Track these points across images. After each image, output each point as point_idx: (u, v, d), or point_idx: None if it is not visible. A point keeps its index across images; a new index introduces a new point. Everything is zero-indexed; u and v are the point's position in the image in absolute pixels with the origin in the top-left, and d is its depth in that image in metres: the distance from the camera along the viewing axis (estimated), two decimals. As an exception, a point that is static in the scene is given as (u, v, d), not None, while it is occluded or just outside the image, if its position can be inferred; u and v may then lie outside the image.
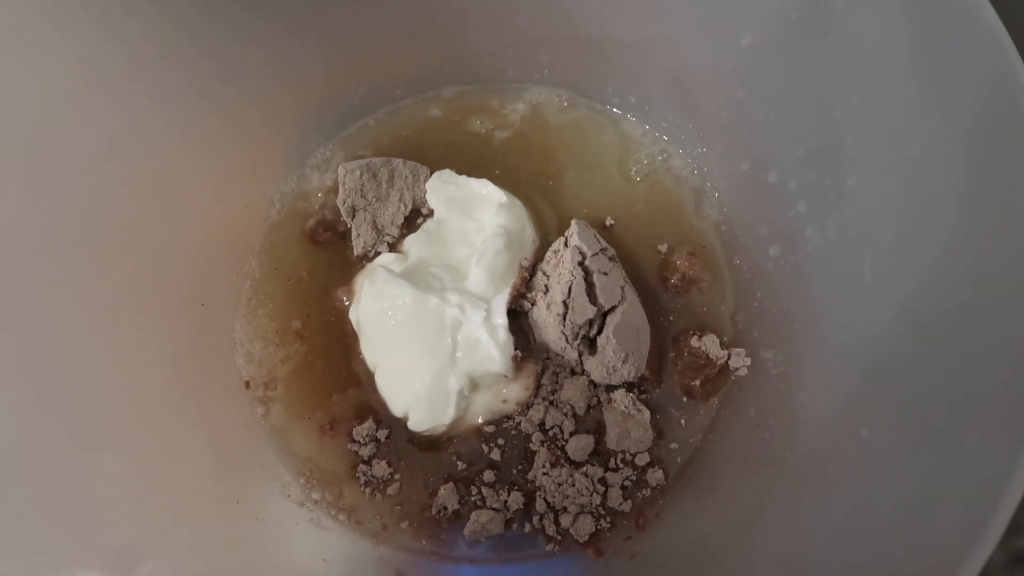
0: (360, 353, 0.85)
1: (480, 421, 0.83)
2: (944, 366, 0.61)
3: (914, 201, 0.65)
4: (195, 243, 0.86)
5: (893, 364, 0.66)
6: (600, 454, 0.82)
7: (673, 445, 0.83)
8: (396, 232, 0.90)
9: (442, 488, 0.80)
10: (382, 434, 0.83)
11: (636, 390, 0.83)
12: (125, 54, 0.75)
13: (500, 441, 0.82)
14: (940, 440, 0.59)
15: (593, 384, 0.83)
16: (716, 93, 0.86)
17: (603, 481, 0.80)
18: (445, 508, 0.80)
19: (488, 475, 0.81)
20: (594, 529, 0.78)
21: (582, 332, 0.79)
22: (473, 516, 0.78)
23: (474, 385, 0.82)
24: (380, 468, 0.82)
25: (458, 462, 0.82)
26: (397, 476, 0.83)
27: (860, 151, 0.71)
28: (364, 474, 0.82)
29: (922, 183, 0.64)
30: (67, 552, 0.60)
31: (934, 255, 0.63)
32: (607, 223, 0.91)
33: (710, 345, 0.84)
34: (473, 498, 0.81)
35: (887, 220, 0.68)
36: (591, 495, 0.79)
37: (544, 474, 0.80)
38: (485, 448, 0.82)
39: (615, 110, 0.97)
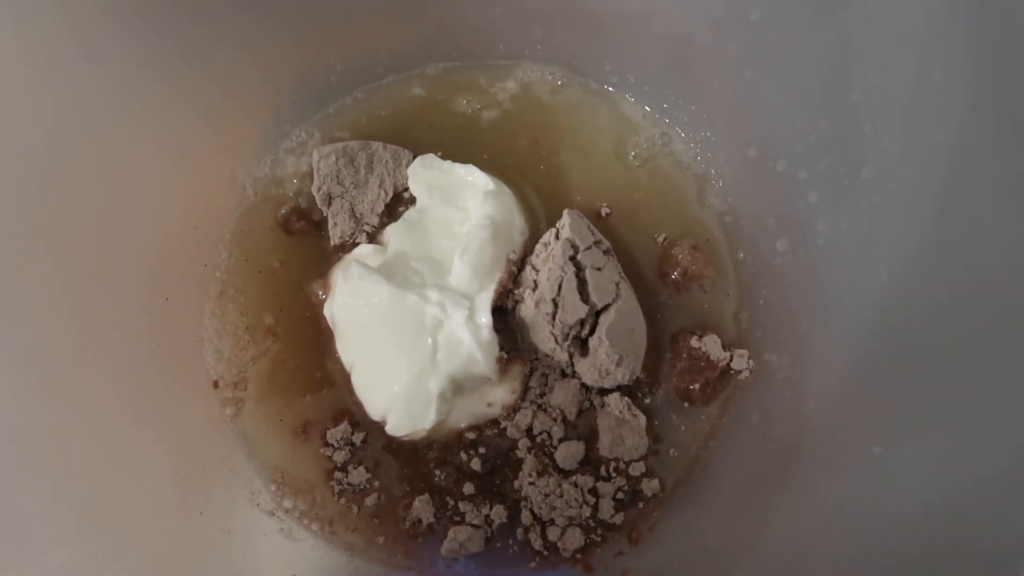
0: (336, 351, 0.80)
1: (463, 426, 0.78)
2: (970, 376, 0.56)
3: (938, 194, 0.60)
4: (159, 232, 0.80)
5: (912, 373, 0.61)
6: (591, 462, 0.77)
7: (671, 453, 0.78)
8: (376, 221, 0.85)
9: (417, 500, 0.76)
10: (358, 438, 0.78)
11: (632, 394, 0.79)
12: (74, 29, 0.69)
13: (482, 450, 0.78)
14: (966, 462, 0.54)
15: (585, 387, 0.78)
16: (722, 72, 0.80)
17: (594, 491, 0.76)
18: (420, 521, 0.76)
19: (468, 487, 0.76)
20: (583, 543, 0.74)
21: (573, 332, 0.74)
22: (451, 533, 0.74)
23: (456, 388, 0.77)
24: (356, 475, 0.77)
25: (436, 471, 0.78)
26: (375, 484, 0.78)
27: (878, 138, 0.65)
28: (339, 482, 0.77)
29: (947, 174, 0.59)
30: (-3, 578, 0.55)
31: (958, 253, 0.58)
32: (602, 212, 0.85)
33: (711, 346, 0.79)
34: (450, 512, 0.76)
35: (907, 214, 0.63)
36: (581, 506, 0.75)
37: (531, 484, 0.76)
38: (465, 457, 0.77)
39: (612, 89, 0.91)
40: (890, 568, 0.55)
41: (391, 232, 0.83)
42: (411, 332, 0.74)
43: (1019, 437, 0.51)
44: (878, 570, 0.55)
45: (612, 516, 0.75)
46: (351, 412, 0.80)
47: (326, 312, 0.81)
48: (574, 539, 0.74)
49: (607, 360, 0.74)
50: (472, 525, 0.75)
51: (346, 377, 0.80)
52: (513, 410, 0.78)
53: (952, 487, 0.54)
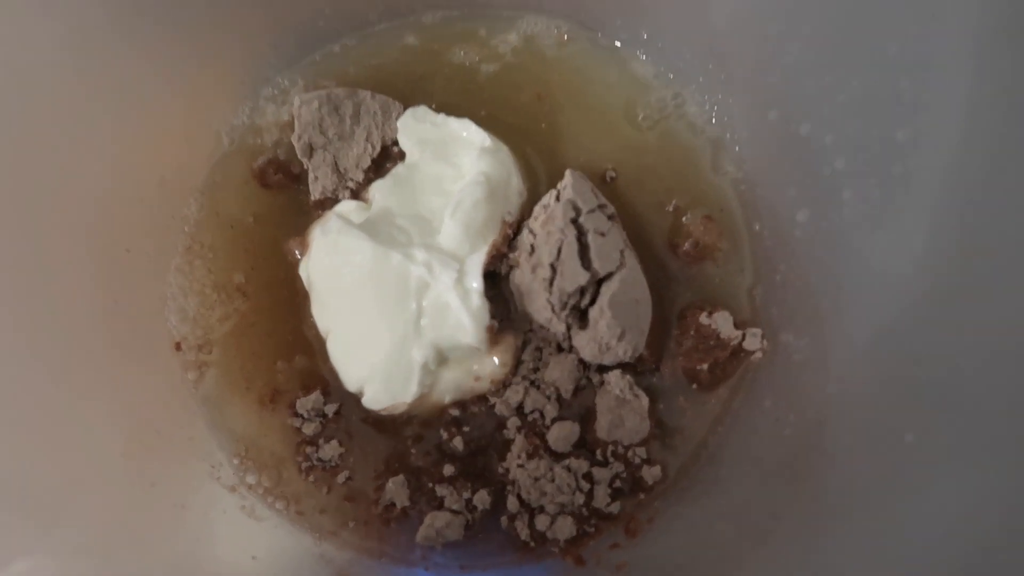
0: (311, 315, 0.76)
1: (448, 401, 0.74)
2: (1015, 360, 0.51)
3: (985, 158, 0.55)
4: (122, 179, 0.75)
5: (950, 355, 0.56)
6: (587, 445, 0.73)
7: (674, 438, 0.74)
8: (360, 177, 0.80)
9: (391, 481, 0.71)
10: (330, 409, 0.74)
11: (634, 372, 0.74)
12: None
13: (466, 428, 0.73)
14: (1011, 451, 0.48)
15: (583, 363, 0.74)
16: (743, 27, 0.75)
17: (589, 477, 0.72)
18: (393, 504, 0.71)
19: (448, 469, 0.72)
20: (575, 533, 0.70)
21: (572, 302, 0.70)
22: (427, 519, 0.69)
23: (442, 359, 0.72)
24: (328, 450, 0.73)
25: (412, 449, 0.73)
26: (349, 460, 0.73)
27: (917, 96, 0.61)
28: (308, 457, 0.73)
29: (998, 137, 0.54)
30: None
31: (1005, 225, 0.53)
32: (608, 176, 0.81)
33: (722, 323, 0.74)
34: (427, 496, 0.71)
35: (949, 180, 0.59)
36: (573, 493, 0.71)
37: (519, 466, 0.71)
38: (446, 435, 0.73)
39: (622, 46, 0.86)
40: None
41: (377, 189, 0.77)
42: (394, 295, 0.70)
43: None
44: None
45: (608, 505, 0.71)
46: (326, 382, 0.75)
47: (301, 272, 0.76)
48: (565, 529, 0.70)
49: (608, 334, 0.69)
50: (451, 511, 0.70)
51: (321, 343, 0.75)
52: (503, 385, 0.74)
53: (999, 480, 0.49)
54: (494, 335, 0.71)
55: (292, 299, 0.77)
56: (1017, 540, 0.45)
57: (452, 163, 0.77)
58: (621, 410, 0.72)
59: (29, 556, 0.54)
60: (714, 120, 0.82)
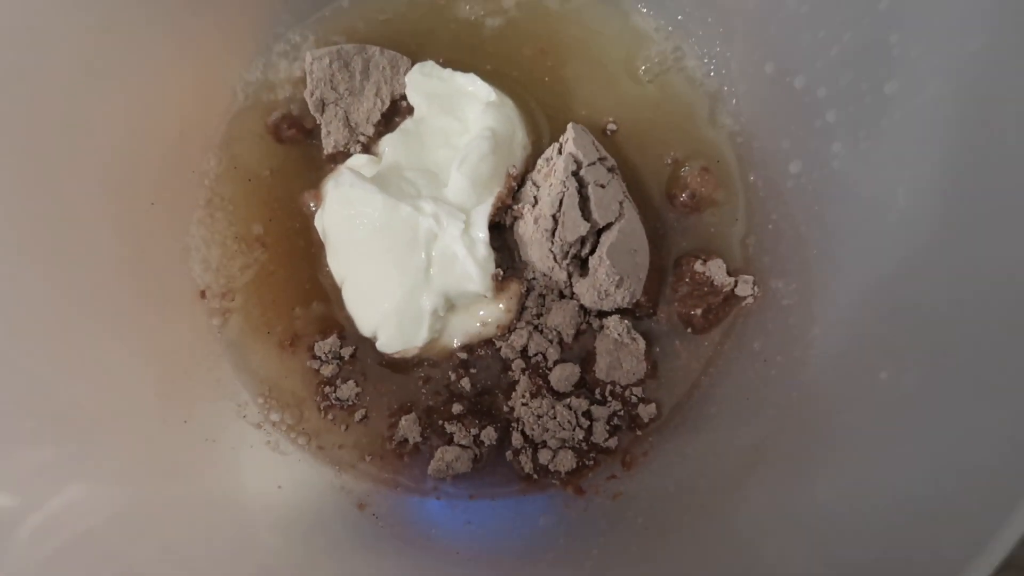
0: (327, 264, 0.78)
1: (456, 344, 0.76)
2: (986, 307, 0.52)
3: (968, 112, 0.56)
4: (144, 135, 0.76)
5: (924, 301, 0.58)
6: (587, 385, 0.75)
7: (668, 379, 0.76)
8: (371, 131, 0.81)
9: (403, 419, 0.74)
10: (347, 352, 0.76)
11: (632, 317, 0.76)
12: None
13: (473, 370, 0.76)
14: (974, 391, 0.51)
15: (583, 309, 0.75)
16: (742, -20, 0.75)
17: (588, 415, 0.74)
18: (406, 440, 0.74)
19: (456, 407, 0.74)
20: (575, 466, 0.73)
21: (572, 251, 0.72)
22: (438, 453, 0.72)
23: (450, 305, 0.75)
24: (345, 390, 0.75)
25: (423, 389, 0.76)
26: (365, 400, 0.76)
27: (906, 50, 0.61)
28: (326, 397, 0.76)
29: (979, 90, 0.55)
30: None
31: (983, 176, 0.54)
32: (608, 129, 0.81)
33: (715, 271, 0.75)
34: (437, 432, 0.74)
35: (931, 133, 0.59)
36: (574, 429, 0.73)
37: (523, 405, 0.74)
38: (454, 376, 0.76)
39: (625, -1, 0.85)
40: (897, 496, 0.53)
41: (386, 143, 0.79)
42: (404, 245, 0.72)
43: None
44: (886, 501, 0.53)
45: (606, 440, 0.73)
46: (342, 327, 0.77)
47: (317, 224, 0.78)
48: (566, 462, 0.72)
49: (607, 281, 0.71)
50: (460, 446, 0.73)
51: (337, 291, 0.77)
52: (508, 330, 0.75)
53: (961, 412, 0.52)
54: (499, 283, 0.73)
55: (308, 249, 0.79)
56: (980, 467, 0.48)
57: (459, 117, 0.78)
58: (619, 352, 0.74)
59: (80, 480, 0.58)
60: (712, 73, 0.81)
